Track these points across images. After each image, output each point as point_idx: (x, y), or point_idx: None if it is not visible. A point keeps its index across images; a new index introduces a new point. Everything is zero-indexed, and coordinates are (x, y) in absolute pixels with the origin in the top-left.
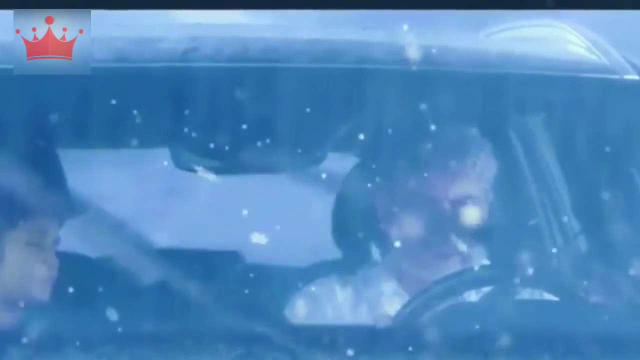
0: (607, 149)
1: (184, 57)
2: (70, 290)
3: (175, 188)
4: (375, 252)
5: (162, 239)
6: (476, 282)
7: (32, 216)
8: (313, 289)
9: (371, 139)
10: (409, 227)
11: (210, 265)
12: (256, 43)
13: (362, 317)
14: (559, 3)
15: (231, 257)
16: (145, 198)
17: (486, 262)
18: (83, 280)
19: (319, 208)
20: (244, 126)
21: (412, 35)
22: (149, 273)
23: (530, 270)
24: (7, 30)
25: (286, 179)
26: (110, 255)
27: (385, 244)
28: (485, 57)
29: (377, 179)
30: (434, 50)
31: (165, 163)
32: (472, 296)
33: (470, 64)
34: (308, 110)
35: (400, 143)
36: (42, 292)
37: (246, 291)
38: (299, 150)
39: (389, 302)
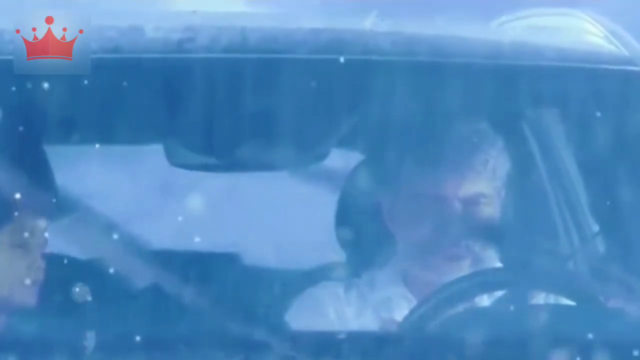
0: (626, 144)
1: (178, 47)
2: (58, 294)
3: (170, 186)
4: (382, 254)
5: (156, 239)
6: (488, 285)
7: (17, 216)
8: (315, 292)
9: (377, 134)
10: (417, 227)
11: (207, 267)
12: (255, 32)
13: (368, 323)
14: None
15: (229, 258)
16: (138, 197)
17: (499, 264)
18: (72, 284)
19: (321, 207)
20: (243, 121)
21: (420, 25)
22: (142, 276)
23: (546, 273)
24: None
25: (287, 177)
26: (100, 257)
27: (392, 245)
28: (498, 48)
29: (383, 177)
30: (443, 41)
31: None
32: (484, 301)
33: (481, 55)
34: (310, 104)
35: (408, 139)
36: (28, 296)
37: (244, 295)
38: (301, 147)
39: (396, 307)
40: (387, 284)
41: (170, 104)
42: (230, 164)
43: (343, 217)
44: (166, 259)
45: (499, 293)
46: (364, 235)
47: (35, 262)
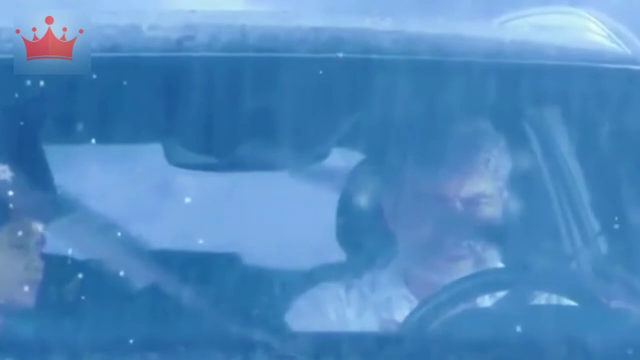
0: (629, 143)
1: (178, 46)
2: (56, 294)
3: (169, 186)
4: (383, 255)
5: (155, 240)
6: (490, 286)
7: (15, 216)
8: (316, 293)
9: (377, 134)
10: (418, 227)
11: (205, 268)
12: (255, 31)
13: (368, 323)
14: None
15: (228, 259)
16: (136, 197)
17: (500, 264)
18: (69, 284)
19: (322, 207)
20: (242, 120)
21: (421, 23)
22: (141, 276)
23: (547, 274)
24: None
25: (287, 177)
26: (98, 258)
27: (393, 245)
28: (500, 47)
29: (384, 177)
30: (444, 39)
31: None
32: (486, 301)
33: (483, 54)
34: (310, 103)
35: (409, 138)
36: (26, 297)
37: (245, 295)
38: (301, 146)
39: (397, 307)
40: (388, 284)
41: (170, 103)
42: (230, 163)
43: (344, 217)
44: (165, 259)
45: (501, 293)
46: (365, 236)
47: (33, 262)
